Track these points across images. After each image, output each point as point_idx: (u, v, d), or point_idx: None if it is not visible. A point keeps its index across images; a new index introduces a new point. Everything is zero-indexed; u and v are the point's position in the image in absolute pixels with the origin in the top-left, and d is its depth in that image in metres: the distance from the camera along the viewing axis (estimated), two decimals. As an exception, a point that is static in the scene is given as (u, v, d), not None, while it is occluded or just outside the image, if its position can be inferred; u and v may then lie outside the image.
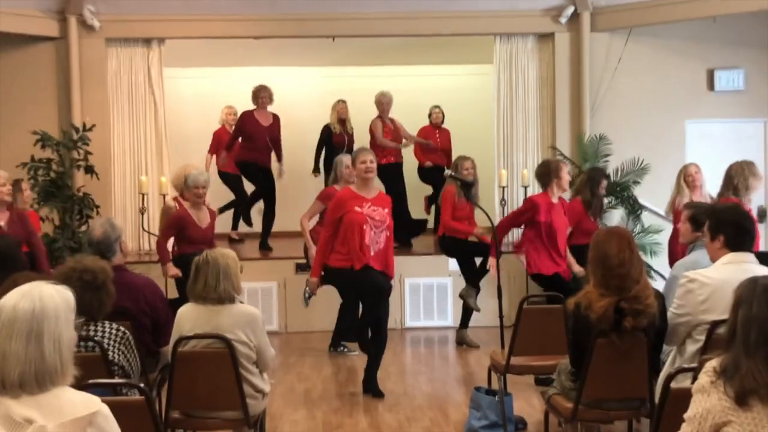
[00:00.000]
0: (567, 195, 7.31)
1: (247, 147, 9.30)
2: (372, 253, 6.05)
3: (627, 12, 9.56)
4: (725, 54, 9.82)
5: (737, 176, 6.64)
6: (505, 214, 9.15)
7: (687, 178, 7.43)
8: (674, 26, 9.60)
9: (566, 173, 6.79)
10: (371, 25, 9.68)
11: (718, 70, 9.82)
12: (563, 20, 9.66)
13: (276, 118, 9.38)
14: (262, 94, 9.28)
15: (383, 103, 9.50)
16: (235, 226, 10.24)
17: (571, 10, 9.59)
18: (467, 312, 7.86)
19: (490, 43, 9.98)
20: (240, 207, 10.00)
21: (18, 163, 8.44)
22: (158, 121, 9.75)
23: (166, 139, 9.79)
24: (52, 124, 9.18)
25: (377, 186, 6.49)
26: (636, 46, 9.70)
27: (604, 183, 7.43)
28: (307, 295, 7.37)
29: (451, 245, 7.75)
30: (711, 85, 9.87)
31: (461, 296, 7.83)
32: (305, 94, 11.32)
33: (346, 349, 7.75)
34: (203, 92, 11.01)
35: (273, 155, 9.46)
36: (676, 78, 9.81)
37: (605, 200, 7.93)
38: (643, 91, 9.79)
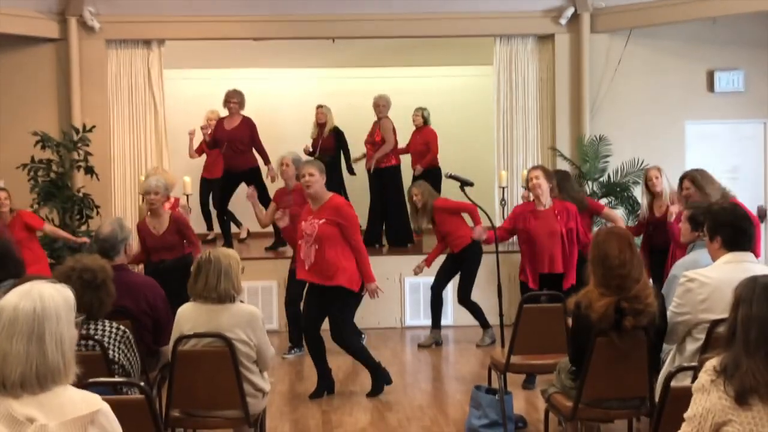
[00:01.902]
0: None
1: (222, 155, 9.35)
2: (306, 267, 6.05)
3: (627, 13, 9.57)
4: (725, 55, 9.83)
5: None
6: (505, 215, 9.20)
7: (647, 182, 7.35)
8: (674, 27, 9.62)
9: (532, 178, 6.58)
10: (371, 27, 9.68)
11: (717, 71, 9.83)
12: (563, 21, 9.67)
13: (245, 121, 9.27)
14: (232, 100, 9.23)
15: (380, 105, 9.53)
16: (237, 225, 10.27)
17: (570, 11, 9.60)
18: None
19: (489, 44, 9.99)
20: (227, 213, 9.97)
21: (18, 163, 8.44)
22: (158, 122, 9.75)
23: (166, 140, 9.79)
24: (52, 125, 9.18)
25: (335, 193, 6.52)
26: (636, 47, 9.72)
27: (570, 178, 7.49)
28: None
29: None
30: (711, 86, 9.88)
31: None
32: (305, 96, 11.32)
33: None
34: (203, 93, 11.01)
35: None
36: (676, 79, 9.82)
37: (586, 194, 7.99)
38: (642, 92, 9.80)
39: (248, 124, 9.28)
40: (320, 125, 9.96)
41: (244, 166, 9.29)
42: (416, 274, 8.04)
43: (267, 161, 9.42)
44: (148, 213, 6.93)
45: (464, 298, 7.87)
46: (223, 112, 9.57)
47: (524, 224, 6.58)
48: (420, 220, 7.94)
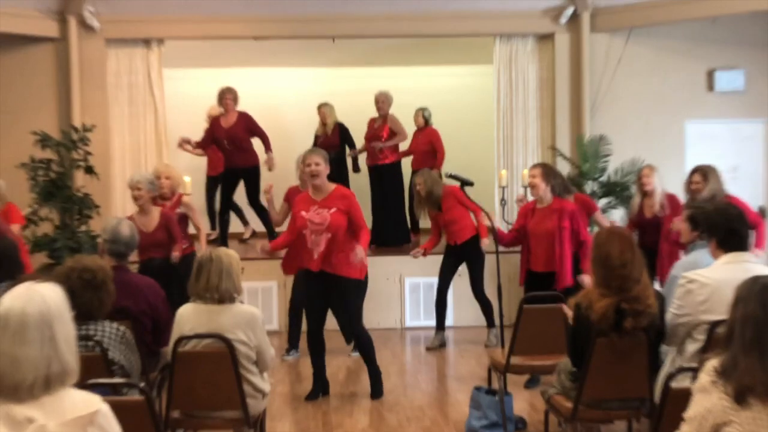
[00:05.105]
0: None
1: (220, 153, 9.36)
2: (315, 256, 5.97)
3: (627, 12, 9.56)
4: (725, 54, 9.82)
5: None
6: (505, 215, 9.18)
7: (638, 180, 7.40)
8: (674, 27, 9.61)
9: (530, 177, 6.62)
10: (371, 26, 9.67)
11: (717, 70, 9.82)
12: (563, 21, 9.66)
13: (241, 116, 9.19)
14: (227, 96, 9.18)
15: (378, 101, 9.54)
16: (244, 223, 10.25)
17: (570, 10, 9.59)
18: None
19: (490, 43, 9.99)
20: (233, 208, 9.93)
21: (18, 163, 8.43)
22: (158, 122, 9.75)
23: (166, 139, 9.79)
24: (51, 124, 9.17)
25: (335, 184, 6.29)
26: (636, 46, 9.71)
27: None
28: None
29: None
30: (711, 86, 9.87)
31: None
32: (305, 95, 11.30)
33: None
34: (202, 93, 10.97)
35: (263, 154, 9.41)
36: (676, 78, 9.81)
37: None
38: (642, 91, 9.79)
39: (244, 119, 9.23)
40: (324, 124, 9.93)
41: (245, 163, 9.26)
42: (415, 257, 7.76)
43: (269, 148, 9.32)
44: (137, 210, 6.83)
45: (479, 292, 7.78)
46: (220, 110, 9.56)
47: (525, 221, 6.63)
48: (421, 209, 7.90)
